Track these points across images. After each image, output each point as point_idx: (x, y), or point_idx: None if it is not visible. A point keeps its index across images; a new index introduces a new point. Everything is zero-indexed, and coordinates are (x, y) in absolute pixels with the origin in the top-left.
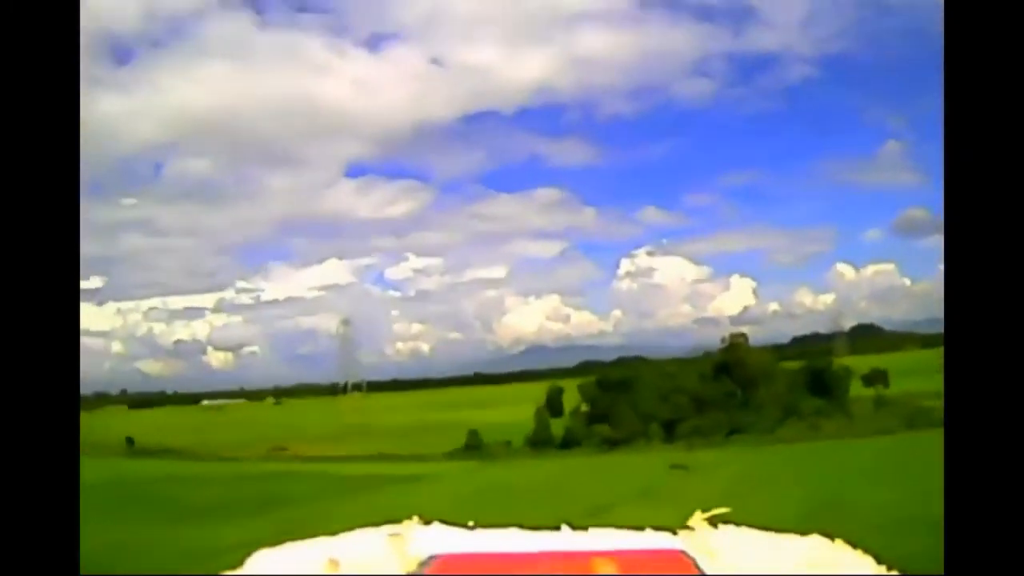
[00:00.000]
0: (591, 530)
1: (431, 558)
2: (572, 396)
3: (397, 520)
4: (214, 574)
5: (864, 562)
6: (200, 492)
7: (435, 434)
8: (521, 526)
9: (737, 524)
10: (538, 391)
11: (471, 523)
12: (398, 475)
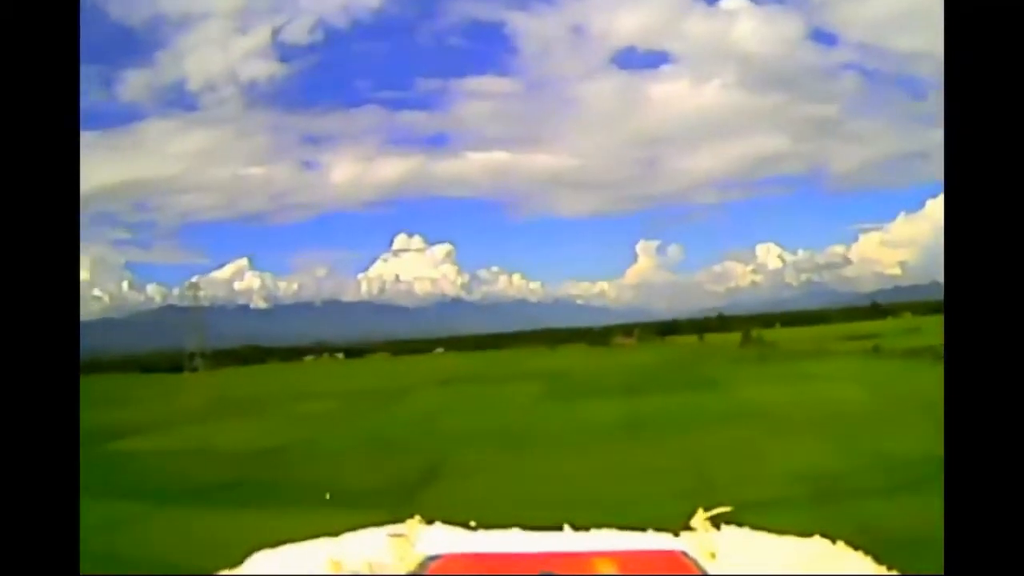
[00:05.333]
0: (592, 530)
1: (432, 558)
2: None
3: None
4: (214, 573)
5: (864, 563)
6: None
7: None
8: (522, 526)
9: (739, 525)
10: None
11: (472, 523)
12: None
